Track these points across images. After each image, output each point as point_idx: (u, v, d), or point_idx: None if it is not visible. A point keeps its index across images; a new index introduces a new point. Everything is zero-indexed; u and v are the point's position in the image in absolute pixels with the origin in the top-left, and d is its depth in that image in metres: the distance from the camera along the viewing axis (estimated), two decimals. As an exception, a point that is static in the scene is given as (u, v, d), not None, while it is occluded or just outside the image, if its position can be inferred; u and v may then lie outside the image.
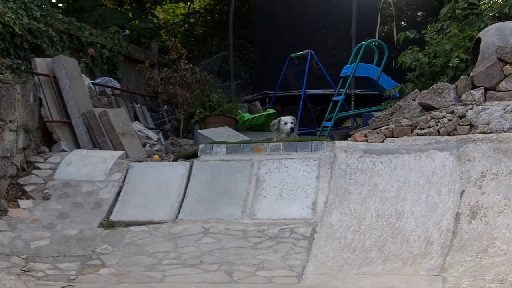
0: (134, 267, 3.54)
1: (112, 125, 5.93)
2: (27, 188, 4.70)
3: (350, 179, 4.28)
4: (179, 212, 4.41)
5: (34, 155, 5.24)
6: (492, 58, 4.94)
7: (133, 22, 12.48)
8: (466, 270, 3.10)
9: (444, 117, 4.69)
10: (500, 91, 4.80)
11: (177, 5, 15.78)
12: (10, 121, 4.77)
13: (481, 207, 3.67)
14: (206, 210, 4.39)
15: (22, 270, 3.44)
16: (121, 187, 4.73)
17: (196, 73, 9.04)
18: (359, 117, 8.76)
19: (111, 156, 5.21)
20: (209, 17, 15.80)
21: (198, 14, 16.01)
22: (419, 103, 5.14)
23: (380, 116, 5.52)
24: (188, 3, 15.56)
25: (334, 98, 8.38)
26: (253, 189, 4.47)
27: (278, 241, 3.83)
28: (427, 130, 4.69)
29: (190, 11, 15.68)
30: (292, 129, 6.40)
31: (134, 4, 13.20)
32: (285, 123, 6.42)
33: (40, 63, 5.99)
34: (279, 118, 6.57)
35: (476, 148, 4.15)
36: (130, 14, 12.87)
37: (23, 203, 4.52)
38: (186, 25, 15.59)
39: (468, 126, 4.57)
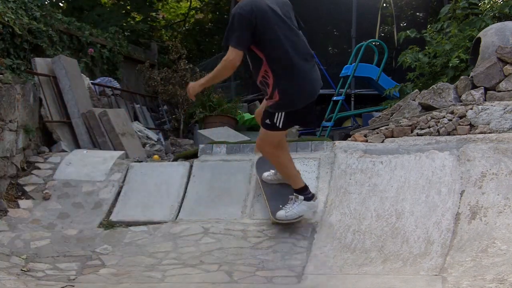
0: (134, 267, 3.54)
1: (112, 125, 5.94)
2: (27, 188, 4.70)
3: (350, 179, 4.28)
4: (179, 212, 4.41)
5: (34, 155, 5.25)
6: (492, 58, 4.94)
7: (131, 19, 12.47)
8: (466, 270, 3.10)
9: (444, 117, 4.69)
10: (500, 91, 4.80)
11: (178, 5, 15.80)
12: (10, 121, 4.77)
13: (481, 207, 3.66)
14: (206, 210, 4.38)
15: (22, 270, 3.44)
16: (121, 187, 4.73)
17: (196, 73, 9.04)
18: (359, 117, 8.77)
19: (111, 156, 5.21)
20: (210, 15, 15.80)
21: (199, 12, 16.01)
22: (419, 103, 5.14)
23: (380, 116, 5.53)
24: (188, 2, 15.57)
25: (334, 98, 8.38)
26: (253, 189, 4.46)
27: (278, 241, 3.82)
28: (427, 130, 4.69)
29: (190, 7, 15.67)
30: None
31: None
32: None
33: (40, 63, 5.99)
34: None
35: (476, 148, 4.15)
36: (129, 7, 12.86)
37: (23, 203, 4.52)
38: (187, 24, 15.59)
39: (468, 126, 4.57)
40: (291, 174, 3.96)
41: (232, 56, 3.46)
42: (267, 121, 3.73)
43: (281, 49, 3.51)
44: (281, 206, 3.98)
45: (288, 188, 4.06)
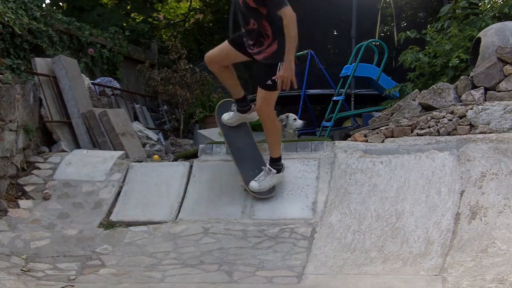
0: (134, 267, 3.54)
1: (112, 125, 5.93)
2: (27, 188, 4.70)
3: (350, 179, 4.28)
4: (179, 212, 4.41)
5: (34, 155, 5.24)
6: (492, 58, 4.94)
7: (132, 20, 12.46)
8: (466, 270, 3.10)
9: (444, 117, 4.69)
10: (500, 91, 4.80)
11: (178, 5, 15.79)
12: (10, 121, 4.77)
13: (481, 207, 3.67)
14: (206, 210, 4.38)
15: (22, 270, 3.44)
16: (121, 187, 4.73)
17: (196, 73, 9.04)
18: (359, 117, 8.77)
19: (111, 156, 5.21)
20: (209, 17, 15.78)
21: (198, 12, 15.99)
22: (419, 103, 5.14)
23: (380, 116, 5.52)
24: (188, 2, 15.57)
25: (334, 98, 8.38)
26: (253, 189, 4.46)
27: (278, 241, 3.82)
28: (427, 130, 4.69)
29: (190, 8, 15.66)
30: (304, 123, 6.40)
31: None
32: (295, 119, 6.41)
33: (40, 63, 5.99)
34: (286, 114, 6.57)
35: (476, 148, 4.15)
36: (129, 7, 12.84)
37: (23, 203, 4.52)
38: (187, 24, 15.58)
39: (468, 126, 4.57)
40: (279, 140, 4.32)
41: (291, 12, 3.70)
42: (269, 81, 3.94)
43: None
44: (251, 172, 4.30)
45: (255, 150, 4.46)
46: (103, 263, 3.63)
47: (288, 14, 3.69)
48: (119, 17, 11.48)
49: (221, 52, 4.26)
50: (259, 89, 4.06)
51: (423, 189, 3.97)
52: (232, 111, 4.55)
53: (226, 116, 4.57)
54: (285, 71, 3.79)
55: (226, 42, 4.26)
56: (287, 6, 3.70)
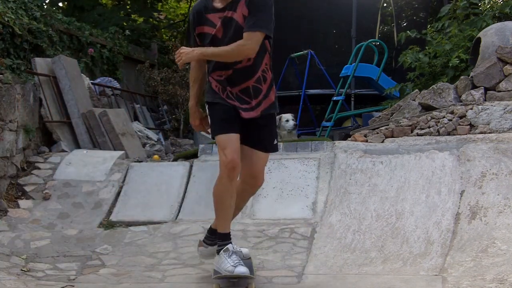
0: (134, 267, 3.54)
1: (112, 125, 5.94)
2: (27, 188, 4.71)
3: (350, 179, 4.28)
4: (179, 212, 4.41)
5: (34, 155, 5.25)
6: (492, 58, 4.94)
7: (132, 21, 12.46)
8: (466, 270, 3.10)
9: (444, 117, 4.69)
10: (500, 91, 4.80)
11: (178, 5, 15.79)
12: (10, 121, 4.77)
13: (481, 207, 3.66)
14: (206, 210, 4.37)
15: (22, 270, 3.44)
16: (121, 187, 4.73)
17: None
18: (359, 117, 8.77)
19: (111, 156, 5.21)
20: None
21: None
22: (419, 103, 5.14)
23: (380, 116, 5.52)
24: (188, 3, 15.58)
25: (334, 98, 8.38)
26: (253, 189, 4.45)
27: (278, 241, 3.82)
28: (427, 130, 4.69)
29: (190, 9, 15.68)
30: (295, 125, 6.32)
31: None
32: (287, 120, 6.34)
33: (40, 63, 5.99)
34: (279, 116, 6.48)
35: (476, 148, 4.15)
36: (129, 7, 12.83)
37: (23, 203, 4.52)
38: (187, 24, 15.59)
39: (468, 126, 4.57)
40: None
41: (253, 43, 2.84)
42: (275, 141, 3.20)
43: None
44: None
45: None
46: (103, 263, 3.63)
47: (254, 41, 2.83)
48: (119, 17, 11.48)
49: (237, 147, 3.20)
50: (262, 155, 3.17)
51: (423, 189, 3.97)
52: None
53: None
54: (185, 50, 2.92)
55: (227, 136, 3.20)
56: (262, 32, 2.84)
